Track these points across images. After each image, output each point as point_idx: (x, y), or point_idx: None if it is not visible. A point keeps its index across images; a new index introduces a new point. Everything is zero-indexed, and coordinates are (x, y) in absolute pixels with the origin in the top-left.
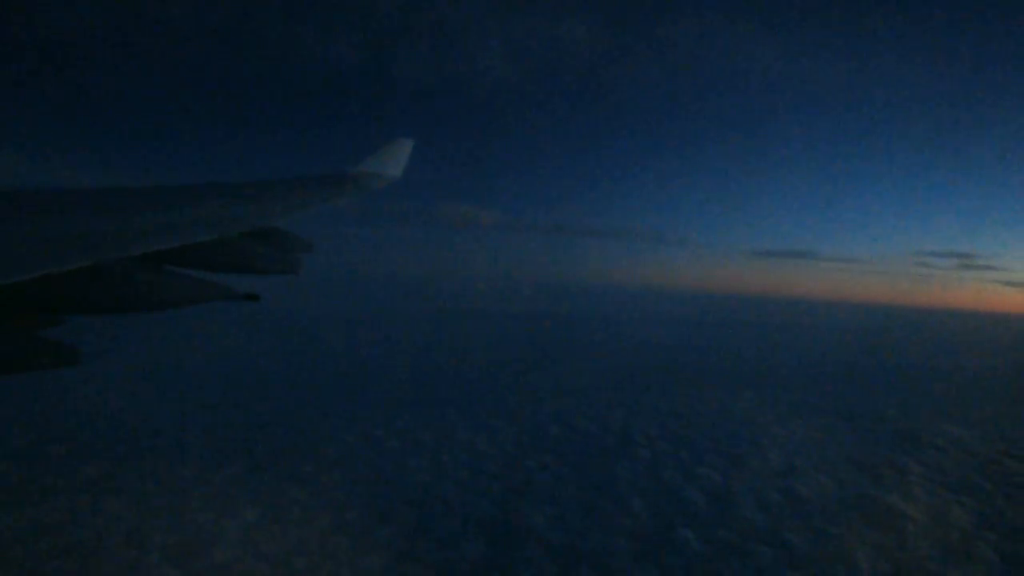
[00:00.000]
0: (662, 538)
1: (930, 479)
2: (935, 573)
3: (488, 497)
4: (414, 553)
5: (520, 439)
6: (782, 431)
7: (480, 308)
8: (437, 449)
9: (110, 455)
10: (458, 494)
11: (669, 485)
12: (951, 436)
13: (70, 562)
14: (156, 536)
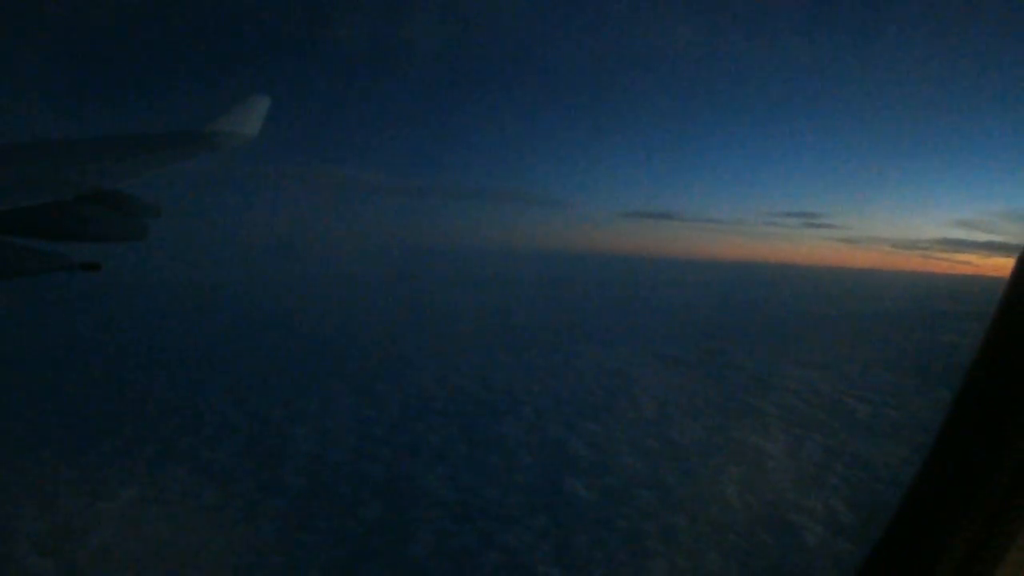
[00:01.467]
0: (552, 489)
1: (784, 419)
2: (793, 501)
3: (379, 461)
4: (309, 522)
5: (406, 403)
6: (653, 382)
7: (350, 273)
8: (321, 416)
9: None
10: (348, 460)
11: (554, 439)
12: (800, 379)
13: None
14: (22, 525)
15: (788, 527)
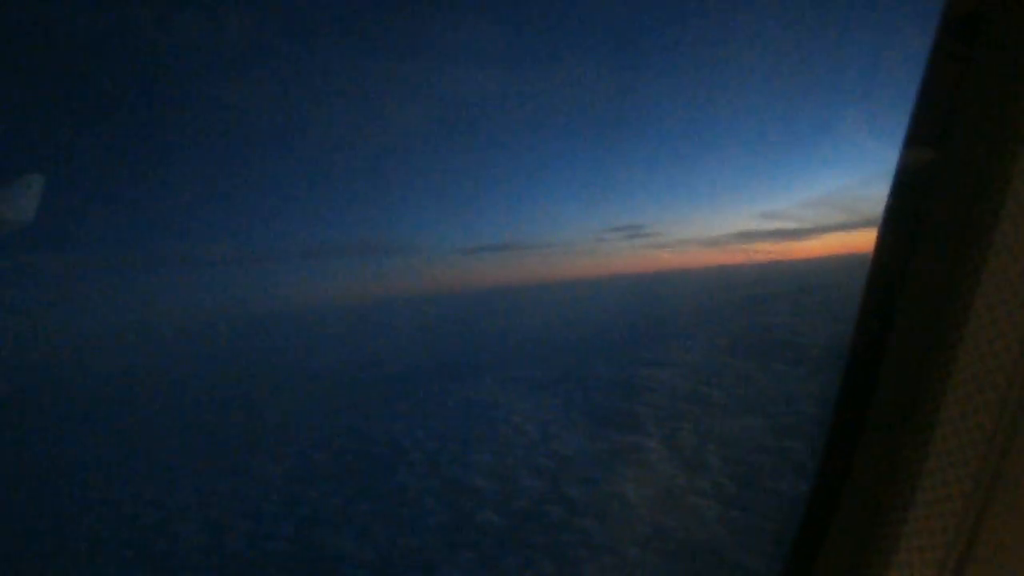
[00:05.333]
0: (467, 524)
1: (654, 416)
2: (685, 485)
3: (279, 538)
4: None
5: (289, 474)
6: (526, 405)
7: (183, 350)
8: (207, 506)
9: None
10: (246, 545)
11: (452, 477)
12: (655, 378)
13: None
14: None
15: (689, 508)
